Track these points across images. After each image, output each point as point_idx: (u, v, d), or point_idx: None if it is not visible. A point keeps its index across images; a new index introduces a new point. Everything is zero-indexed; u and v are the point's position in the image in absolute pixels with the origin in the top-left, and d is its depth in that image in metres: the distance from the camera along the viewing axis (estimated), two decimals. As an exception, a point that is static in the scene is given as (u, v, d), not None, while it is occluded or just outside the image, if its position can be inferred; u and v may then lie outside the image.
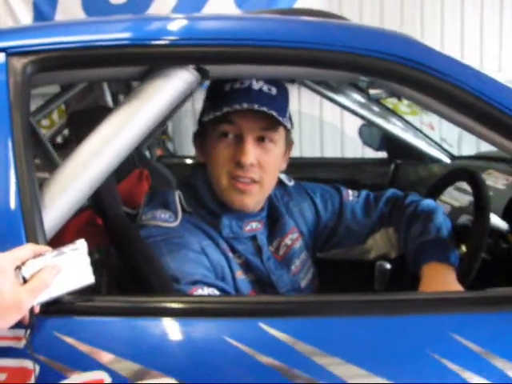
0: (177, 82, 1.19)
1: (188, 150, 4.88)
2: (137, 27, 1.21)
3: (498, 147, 1.24)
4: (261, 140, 1.37)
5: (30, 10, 3.62)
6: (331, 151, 5.01)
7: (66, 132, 3.02)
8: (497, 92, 1.16)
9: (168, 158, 3.70)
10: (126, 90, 2.72)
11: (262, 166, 1.37)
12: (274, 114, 1.33)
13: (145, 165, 2.04)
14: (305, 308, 1.10)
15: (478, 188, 1.54)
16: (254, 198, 1.41)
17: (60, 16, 3.49)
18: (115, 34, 1.17)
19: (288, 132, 1.45)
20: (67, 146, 2.71)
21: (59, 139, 3.03)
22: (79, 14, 3.43)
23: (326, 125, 4.97)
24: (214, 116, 1.35)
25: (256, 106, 1.32)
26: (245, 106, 1.32)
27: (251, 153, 1.34)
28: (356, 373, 1.01)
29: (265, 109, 1.32)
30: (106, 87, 2.54)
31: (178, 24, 1.22)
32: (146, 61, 1.18)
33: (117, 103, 2.68)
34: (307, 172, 2.30)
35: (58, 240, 1.11)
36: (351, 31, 1.25)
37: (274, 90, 1.36)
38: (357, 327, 1.06)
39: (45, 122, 3.60)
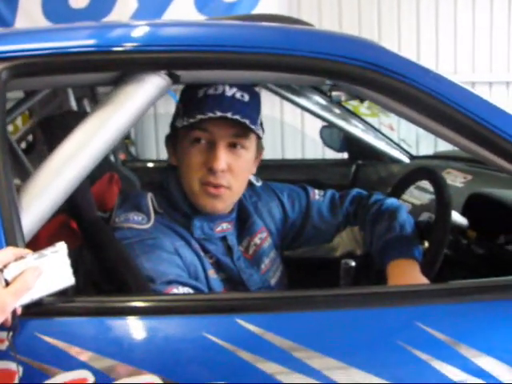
0: (149, 87, 1.20)
1: (150, 154, 4.90)
2: (110, 33, 1.22)
3: (457, 146, 1.29)
4: (232, 146, 1.39)
5: (-12, 14, 3.56)
6: (292, 153, 5.06)
7: (30, 138, 3.00)
8: (456, 94, 1.22)
9: (131, 162, 3.70)
10: (90, 94, 2.72)
11: (233, 172, 1.39)
12: (247, 122, 1.35)
13: (111, 169, 2.05)
14: (281, 303, 1.14)
15: (440, 186, 1.59)
16: (225, 202, 1.44)
17: (20, 21, 3.43)
18: (90, 40, 1.19)
19: (259, 138, 1.47)
20: (31, 152, 2.70)
21: (23, 145, 3.01)
22: (40, 19, 3.38)
23: (287, 126, 5.02)
24: (187, 123, 1.36)
25: (229, 114, 1.34)
26: (218, 113, 1.33)
27: (223, 159, 1.36)
28: (333, 365, 1.04)
29: (238, 117, 1.34)
30: (71, 92, 2.53)
31: (149, 30, 1.23)
32: (119, 66, 1.20)
33: (81, 108, 2.68)
34: (269, 174, 2.32)
35: (33, 244, 1.12)
36: (318, 37, 1.29)
37: (246, 97, 1.38)
38: (331, 320, 1.10)
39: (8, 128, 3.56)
